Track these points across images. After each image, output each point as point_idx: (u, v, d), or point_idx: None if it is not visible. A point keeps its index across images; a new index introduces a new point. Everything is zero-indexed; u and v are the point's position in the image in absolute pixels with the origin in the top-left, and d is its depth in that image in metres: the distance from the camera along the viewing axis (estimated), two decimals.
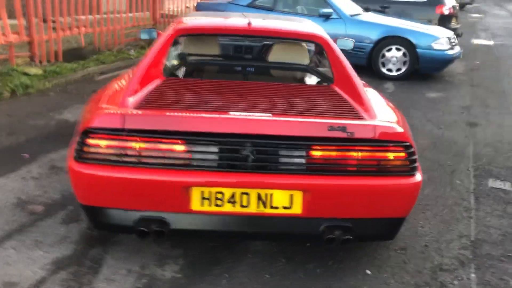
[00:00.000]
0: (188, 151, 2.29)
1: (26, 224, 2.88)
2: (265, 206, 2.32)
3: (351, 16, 7.67)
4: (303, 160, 2.32)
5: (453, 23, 11.17)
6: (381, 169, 2.35)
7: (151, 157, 2.28)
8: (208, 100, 2.61)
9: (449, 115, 5.82)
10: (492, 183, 3.94)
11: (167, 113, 2.35)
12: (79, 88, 6.17)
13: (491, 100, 6.67)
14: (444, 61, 7.48)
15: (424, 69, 7.48)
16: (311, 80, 3.54)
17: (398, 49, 7.39)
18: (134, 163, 2.28)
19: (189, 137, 2.27)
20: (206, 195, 2.30)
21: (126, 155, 2.27)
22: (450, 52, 7.44)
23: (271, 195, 2.31)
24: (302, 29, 3.47)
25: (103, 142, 2.29)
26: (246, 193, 2.31)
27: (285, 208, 2.33)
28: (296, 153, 2.32)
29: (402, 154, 2.36)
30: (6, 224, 2.88)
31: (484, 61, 10.05)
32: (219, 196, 2.31)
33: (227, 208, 2.32)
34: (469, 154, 4.53)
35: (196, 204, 2.31)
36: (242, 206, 2.32)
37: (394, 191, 2.38)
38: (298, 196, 2.31)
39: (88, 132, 2.30)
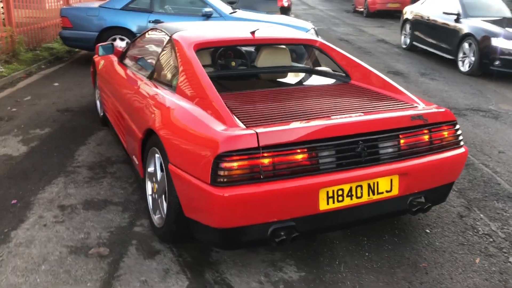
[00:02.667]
0: (313, 157, 2.50)
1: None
2: (373, 193, 2.68)
3: (230, 14, 8.07)
4: (396, 148, 2.74)
5: (290, 14, 12.49)
6: (443, 145, 2.92)
7: (284, 169, 2.43)
8: (291, 109, 2.81)
9: None
10: None
11: (293, 126, 2.51)
12: None
13: None
14: None
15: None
16: (315, 80, 3.90)
17: None
18: (270, 177, 2.40)
19: (313, 144, 2.49)
20: (330, 194, 2.56)
21: (263, 170, 2.37)
22: None
23: (377, 183, 2.69)
24: (300, 36, 3.81)
25: (237, 163, 2.35)
26: (360, 186, 2.64)
27: (387, 192, 2.73)
28: (390, 143, 2.73)
29: (453, 131, 2.97)
30: (119, 273, 2.61)
31: None
32: (340, 192, 2.59)
33: (347, 202, 2.62)
34: None
35: (323, 204, 2.55)
36: (357, 197, 2.64)
37: (452, 161, 2.97)
38: (395, 179, 2.73)
39: (222, 156, 2.32)
